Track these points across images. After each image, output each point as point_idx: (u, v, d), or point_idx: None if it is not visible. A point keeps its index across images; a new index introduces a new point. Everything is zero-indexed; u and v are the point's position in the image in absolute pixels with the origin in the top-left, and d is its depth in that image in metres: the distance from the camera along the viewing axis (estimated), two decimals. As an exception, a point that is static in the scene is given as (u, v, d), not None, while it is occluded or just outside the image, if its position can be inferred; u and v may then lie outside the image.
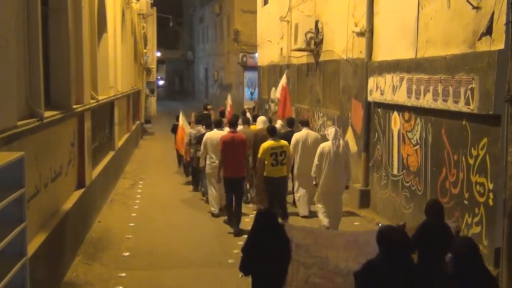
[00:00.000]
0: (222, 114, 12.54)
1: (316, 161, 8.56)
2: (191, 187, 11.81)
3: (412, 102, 7.99)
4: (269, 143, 8.64)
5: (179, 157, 13.94)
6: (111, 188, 11.13)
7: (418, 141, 8.07)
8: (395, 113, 8.85)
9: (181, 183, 12.59)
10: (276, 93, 13.93)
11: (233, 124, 9.09)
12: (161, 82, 44.02)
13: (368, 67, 9.80)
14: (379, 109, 9.49)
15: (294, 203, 9.83)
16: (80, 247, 7.52)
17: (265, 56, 20.18)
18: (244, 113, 13.02)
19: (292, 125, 10.55)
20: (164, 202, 10.61)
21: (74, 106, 7.23)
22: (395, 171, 8.89)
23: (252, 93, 28.26)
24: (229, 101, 14.65)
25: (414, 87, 7.95)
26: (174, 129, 14.86)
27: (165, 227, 8.86)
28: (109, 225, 8.80)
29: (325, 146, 8.55)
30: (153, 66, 25.01)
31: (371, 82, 9.63)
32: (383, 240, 4.04)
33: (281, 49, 17.09)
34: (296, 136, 9.63)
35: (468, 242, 4.05)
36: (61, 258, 6.40)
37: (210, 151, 9.48)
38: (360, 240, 5.28)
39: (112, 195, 10.93)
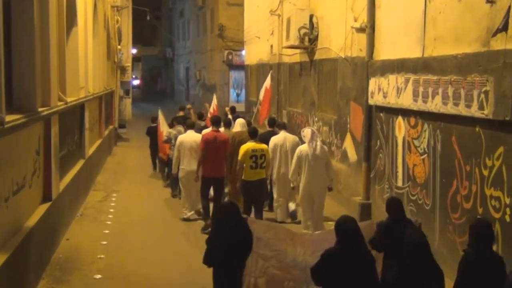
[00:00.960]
0: (200, 116, 13.06)
1: (293, 165, 9.22)
2: (169, 194, 12.13)
3: (419, 106, 7.97)
4: (249, 145, 9.09)
5: (154, 160, 14.92)
6: (81, 201, 10.99)
7: (426, 149, 8.03)
8: (400, 118, 8.82)
9: (159, 192, 12.62)
10: (259, 95, 14.21)
11: (216, 123, 9.79)
12: (135, 82, 43.88)
13: (369, 66, 9.78)
14: (381, 114, 9.46)
15: (270, 208, 10.45)
16: (45, 269, 7.36)
17: (253, 54, 20.16)
18: (226, 115, 13.44)
19: (273, 125, 10.84)
20: (141, 217, 10.52)
21: (40, 109, 7.08)
22: (399, 183, 8.85)
23: (238, 95, 28.21)
24: (214, 101, 15.02)
25: (421, 89, 7.92)
26: (149, 132, 15.26)
27: (141, 246, 8.75)
28: (78, 243, 8.65)
29: (303, 149, 9.13)
30: (128, 64, 24.89)
31: (373, 83, 9.60)
32: (338, 230, 4.81)
33: (271, 46, 17.08)
34: (273, 140, 10.08)
35: (420, 233, 5.06)
36: (23, 283, 6.24)
37: (183, 155, 10.10)
38: (317, 239, 6.07)
39: (82, 209, 10.80)
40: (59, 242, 8.51)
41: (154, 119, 14.89)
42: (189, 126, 10.65)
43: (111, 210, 10.94)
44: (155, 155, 15.00)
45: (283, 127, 10.51)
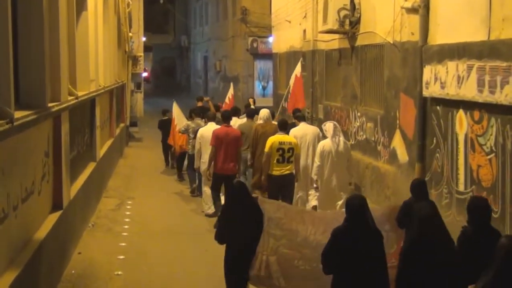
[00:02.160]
0: (217, 109, 13.94)
1: (317, 161, 9.82)
2: (190, 199, 12.72)
3: (485, 97, 7.81)
4: (277, 137, 9.77)
5: (167, 155, 15.87)
6: (92, 209, 11.05)
7: (493, 148, 7.87)
8: (461, 112, 8.67)
9: (179, 197, 12.85)
10: (290, 84, 14.45)
11: (226, 118, 10.64)
12: (144, 74, 44.16)
13: (423, 52, 9.63)
14: (438, 107, 9.32)
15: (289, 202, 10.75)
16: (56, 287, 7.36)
17: (282, 40, 20.07)
18: (248, 105, 13.99)
19: (295, 117, 11.51)
20: (161, 227, 10.56)
21: (50, 105, 7.09)
22: (461, 187, 8.69)
23: (264, 88, 28.16)
24: (230, 91, 15.57)
25: (487, 78, 7.76)
26: (161, 125, 16.24)
27: (164, 260, 8.75)
28: (92, 257, 8.67)
29: (325, 144, 9.81)
30: (141, 54, 24.95)
31: (428, 72, 9.46)
32: (346, 206, 5.51)
33: (304, 31, 16.99)
34: (293, 132, 10.61)
35: (428, 206, 5.81)
36: (34, 302, 6.23)
37: (204, 148, 10.90)
38: (328, 218, 6.83)
39: (94, 218, 10.85)
40: (71, 256, 8.54)
41: (166, 112, 15.71)
42: (210, 118, 11.51)
43: (127, 219, 10.99)
44: (167, 150, 15.84)
45: (302, 118, 11.17)
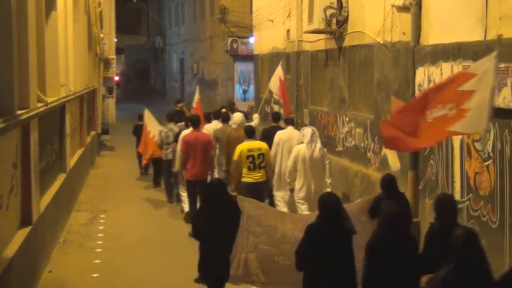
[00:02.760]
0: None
1: (289, 166, 10.28)
2: (168, 208, 12.87)
3: (482, 100, 7.85)
4: (245, 144, 10.21)
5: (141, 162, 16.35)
6: (62, 224, 10.98)
7: (491, 154, 7.92)
8: (456, 116, 8.70)
9: (155, 209, 12.91)
10: (272, 88, 14.82)
11: (195, 123, 11.24)
12: (115, 78, 44.00)
13: (415, 53, 9.69)
14: (432, 111, 9.36)
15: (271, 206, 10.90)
16: (26, 309, 7.29)
17: (264, 41, 20.10)
18: (220, 110, 14.34)
19: (278, 119, 12.20)
20: (137, 241, 10.52)
21: (18, 112, 7.03)
22: (457, 196, 8.72)
23: (245, 92, 28.17)
24: (196, 95, 15.93)
25: (484, 80, 7.81)
26: (136, 130, 16.78)
27: (142, 277, 8.70)
28: (63, 276, 8.61)
29: (300, 149, 10.22)
30: (113, 56, 24.87)
31: (421, 73, 9.51)
32: (319, 203, 6.01)
33: (288, 31, 17.03)
34: (279, 135, 11.16)
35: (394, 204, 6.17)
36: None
37: None
38: (307, 218, 7.15)
39: (65, 233, 10.77)
40: (41, 274, 8.45)
41: (141, 117, 16.11)
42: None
43: (100, 234, 10.92)
44: (142, 156, 16.11)
45: (291, 122, 11.62)
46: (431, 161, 9.45)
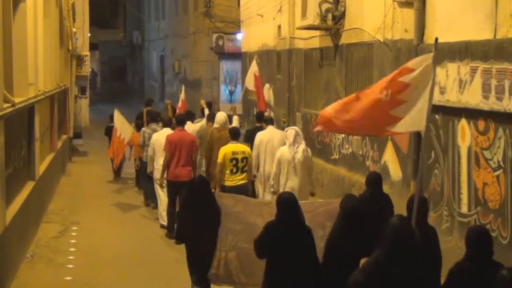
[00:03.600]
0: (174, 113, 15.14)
1: (274, 168, 10.65)
2: (145, 217, 13.12)
3: (491, 104, 7.91)
4: (229, 146, 10.72)
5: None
6: (30, 237, 10.91)
7: (501, 163, 7.96)
8: (463, 122, 8.77)
9: (132, 219, 12.97)
10: (248, 85, 15.59)
11: (180, 122, 11.86)
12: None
13: (418, 52, 9.70)
14: (437, 116, 9.41)
15: None
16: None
17: (253, 37, 20.14)
18: (202, 110, 15.25)
19: (261, 120, 12.66)
20: (113, 255, 10.50)
21: (-18, 113, 6.99)
22: (464, 209, 8.77)
23: (232, 93, 28.15)
24: (182, 94, 16.92)
25: (493, 82, 7.87)
26: (109, 131, 17.32)
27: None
28: (31, 295, 8.55)
29: (283, 151, 10.57)
30: (86, 52, 24.82)
31: (424, 75, 9.53)
32: (277, 203, 6.60)
33: (279, 27, 17.08)
34: (259, 135, 11.60)
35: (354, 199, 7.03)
36: None
37: (159, 154, 11.88)
38: None
39: (33, 247, 10.71)
40: (6, 293, 8.40)
41: (113, 117, 16.33)
42: (166, 123, 12.69)
43: (72, 248, 10.86)
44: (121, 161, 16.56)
45: (271, 122, 12.11)
46: (436, 171, 9.49)
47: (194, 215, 7.92)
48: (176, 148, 11.30)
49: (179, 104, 16.70)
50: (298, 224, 6.53)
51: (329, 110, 7.37)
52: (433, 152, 9.57)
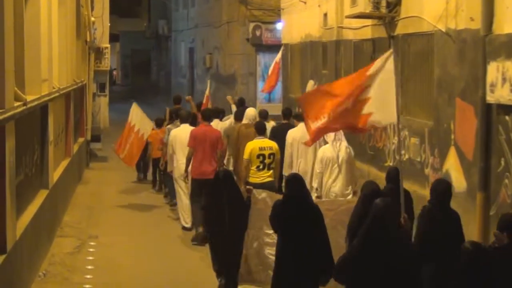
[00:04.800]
0: (199, 108, 15.82)
1: (317, 169, 11.18)
2: (177, 232, 13.18)
3: None
4: (256, 142, 11.45)
5: (139, 164, 17.75)
6: (43, 253, 11.01)
7: None
8: (539, 124, 8.68)
9: (158, 233, 13.03)
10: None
11: (206, 117, 12.67)
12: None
13: (486, 44, 9.67)
14: (507, 117, 9.35)
15: None
16: None
17: (295, 27, 20.15)
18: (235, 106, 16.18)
19: (289, 116, 13.41)
20: (135, 276, 10.53)
21: (-9, 113, 7.10)
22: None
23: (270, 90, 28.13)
24: (207, 91, 17.70)
25: None
26: None
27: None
28: (44, 318, 8.64)
29: (326, 150, 11.13)
30: (106, 45, 24.99)
31: (493, 70, 9.49)
32: (285, 180, 8.39)
33: (325, 15, 17.08)
34: (291, 133, 12.22)
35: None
36: None
37: (178, 151, 12.75)
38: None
39: (46, 264, 10.80)
40: (16, 316, 8.50)
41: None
42: (183, 119, 13.38)
43: (89, 266, 10.95)
44: (142, 157, 17.25)
45: (302, 118, 11.94)
46: (506, 180, 9.40)
47: (219, 212, 8.93)
48: (200, 143, 12.06)
49: (203, 101, 17.31)
50: (301, 200, 7.68)
51: (311, 124, 8.47)
52: (502, 159, 9.48)
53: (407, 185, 12.42)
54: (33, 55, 10.36)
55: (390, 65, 7.82)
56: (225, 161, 13.38)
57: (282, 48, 18.11)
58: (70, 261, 11.17)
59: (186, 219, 12.97)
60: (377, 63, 7.99)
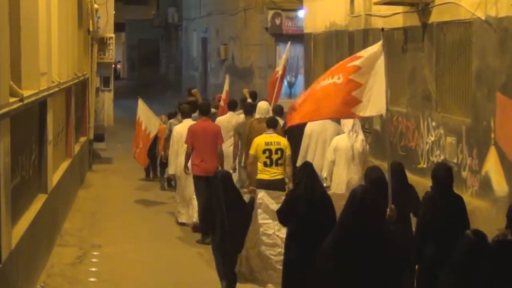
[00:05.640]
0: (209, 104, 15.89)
1: (328, 158, 11.65)
2: (189, 240, 13.27)
3: None
4: (263, 137, 11.86)
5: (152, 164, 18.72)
6: (41, 263, 11.02)
7: None
8: None
9: (169, 242, 13.06)
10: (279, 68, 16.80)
11: (204, 112, 13.19)
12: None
13: (531, 33, 9.64)
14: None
15: None
16: None
17: (319, 15, 20.12)
18: (244, 100, 16.67)
19: None
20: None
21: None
22: None
23: (291, 85, 28.11)
24: (226, 86, 18.16)
25: None
26: None
27: None
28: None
29: (340, 140, 11.59)
30: (111, 34, 25.06)
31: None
32: (298, 171, 9.51)
33: (352, 1, 17.04)
34: (311, 125, 12.58)
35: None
36: None
37: (182, 149, 13.38)
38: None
39: (45, 276, 10.81)
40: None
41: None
42: (185, 113, 14.10)
43: (92, 279, 10.97)
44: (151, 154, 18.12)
45: None
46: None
47: (217, 213, 9.59)
48: (200, 140, 12.60)
49: (223, 96, 17.56)
50: (311, 191, 8.46)
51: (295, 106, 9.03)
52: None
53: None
54: (31, 46, 10.36)
55: (378, 55, 8.48)
56: (236, 160, 13.87)
57: (288, 45, 17.84)
58: (71, 272, 11.17)
59: (181, 211, 14.03)
60: (364, 51, 8.82)
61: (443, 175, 8.07)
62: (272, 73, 18.48)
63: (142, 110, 17.38)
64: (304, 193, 8.47)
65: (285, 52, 17.34)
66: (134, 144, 18.07)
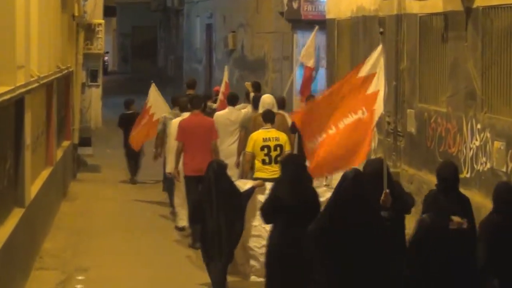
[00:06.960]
0: (207, 97, 17.20)
1: None
2: (190, 262, 13.23)
3: None
4: (260, 132, 12.65)
5: (133, 166, 19.90)
6: (17, 290, 11.04)
7: None
8: None
9: (161, 258, 13.12)
10: (306, 59, 18.10)
11: (195, 105, 13.95)
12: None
13: None
14: None
15: None
16: None
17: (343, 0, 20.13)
18: (248, 94, 17.01)
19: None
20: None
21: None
22: None
23: (313, 78, 28.12)
24: (225, 77, 19.10)
25: None
26: (123, 121, 19.84)
27: None
28: None
29: None
30: (99, 20, 25.13)
31: None
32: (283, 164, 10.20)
33: (383, -18, 17.05)
34: None
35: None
36: None
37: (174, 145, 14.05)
38: None
39: (21, 306, 10.88)
40: None
41: (129, 104, 19.60)
42: (182, 107, 14.78)
43: (76, 309, 11.05)
44: (134, 158, 19.63)
45: None
46: None
47: (209, 202, 10.66)
48: (191, 136, 13.40)
49: (223, 89, 18.23)
50: (299, 183, 9.35)
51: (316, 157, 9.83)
52: None
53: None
54: (6, 36, 10.43)
55: (381, 59, 9.39)
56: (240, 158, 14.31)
57: (315, 29, 18.59)
58: (52, 300, 11.29)
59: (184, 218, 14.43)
60: (368, 62, 9.58)
61: (447, 174, 8.54)
62: (304, 69, 19.08)
63: (154, 95, 18.22)
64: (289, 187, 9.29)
65: (311, 39, 18.35)
66: (133, 127, 18.41)
